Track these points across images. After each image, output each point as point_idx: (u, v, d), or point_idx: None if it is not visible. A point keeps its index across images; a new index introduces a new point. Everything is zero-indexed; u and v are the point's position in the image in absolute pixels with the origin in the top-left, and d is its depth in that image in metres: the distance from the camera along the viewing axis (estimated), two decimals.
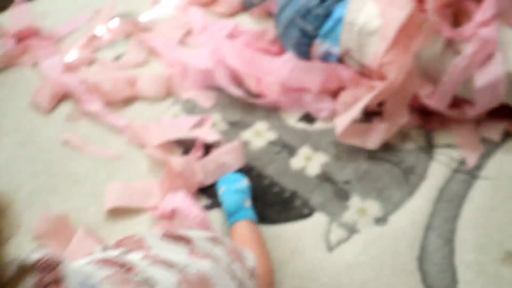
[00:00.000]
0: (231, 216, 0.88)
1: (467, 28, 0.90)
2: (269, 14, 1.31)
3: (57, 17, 1.52)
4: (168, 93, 1.20)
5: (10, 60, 1.37)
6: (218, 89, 1.16)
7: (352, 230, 0.89)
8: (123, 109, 1.18)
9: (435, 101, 0.96)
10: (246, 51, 1.11)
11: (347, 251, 0.86)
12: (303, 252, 0.86)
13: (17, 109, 1.24)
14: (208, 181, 0.97)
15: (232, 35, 1.24)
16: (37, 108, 1.23)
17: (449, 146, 1.00)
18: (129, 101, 1.20)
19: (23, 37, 1.40)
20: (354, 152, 1.00)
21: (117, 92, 1.19)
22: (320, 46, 1.08)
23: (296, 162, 1.01)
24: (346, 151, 1.01)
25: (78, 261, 0.54)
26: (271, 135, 1.08)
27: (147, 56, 1.31)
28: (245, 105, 1.13)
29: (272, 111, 1.12)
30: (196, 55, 1.23)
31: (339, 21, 1.05)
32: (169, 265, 0.55)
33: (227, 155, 0.99)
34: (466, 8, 0.94)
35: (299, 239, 0.88)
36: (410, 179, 0.96)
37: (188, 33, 1.35)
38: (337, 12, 1.05)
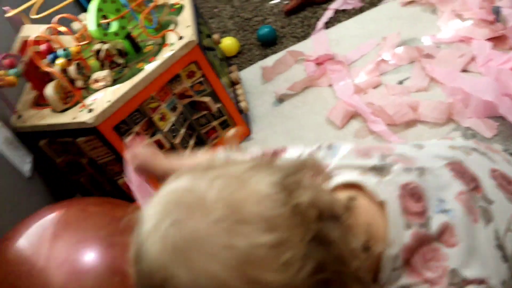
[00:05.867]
0: None
1: None
2: None
3: (349, 43, 1.66)
4: (449, 119, 1.25)
5: (311, 82, 1.58)
6: (501, 119, 1.17)
7: None
8: (404, 131, 1.29)
9: None
10: None
11: None
12: None
13: (316, 123, 1.45)
14: None
15: None
16: (332, 123, 1.41)
17: None
18: (410, 124, 1.30)
19: (321, 61, 1.61)
20: None
21: (400, 116, 1.29)
22: None
23: None
24: None
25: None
26: None
27: (429, 82, 1.37)
28: None
29: None
30: (479, 84, 1.24)
31: None
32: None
33: None
34: None
35: None
36: None
37: (471, 62, 1.36)
38: None
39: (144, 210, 0.49)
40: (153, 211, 0.48)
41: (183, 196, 0.47)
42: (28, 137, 1.33)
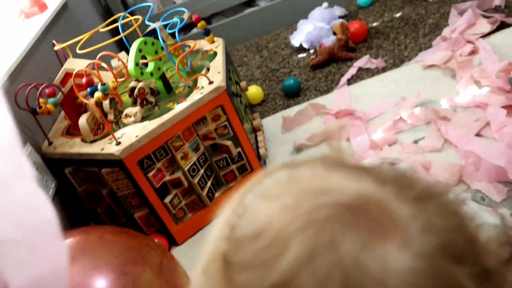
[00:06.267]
0: None
1: None
2: None
3: (369, 101, 1.73)
4: (460, 181, 1.28)
5: (329, 135, 1.49)
6: (511, 185, 1.20)
7: None
8: None
9: None
10: None
11: None
12: None
13: None
14: None
15: None
16: None
17: None
18: None
19: (341, 116, 1.69)
20: None
21: None
22: None
23: None
24: None
25: None
26: None
27: (443, 144, 1.42)
28: None
29: None
30: (491, 149, 1.29)
31: None
32: None
33: None
34: None
35: None
36: None
37: (485, 127, 1.40)
38: None
39: (262, 220, 0.32)
40: (293, 224, 0.30)
41: (351, 200, 0.31)
42: (55, 164, 1.40)
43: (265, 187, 0.35)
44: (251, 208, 0.34)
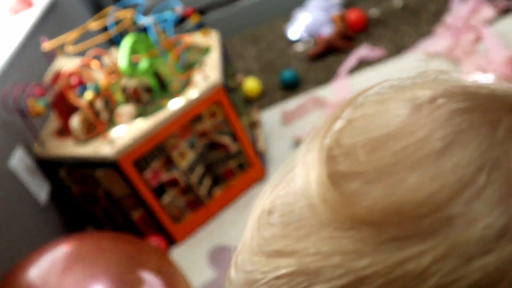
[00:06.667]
0: None
1: None
2: None
3: None
4: None
5: None
6: None
7: None
8: None
9: None
10: None
11: None
12: None
13: None
14: None
15: None
16: None
17: None
18: None
19: None
20: None
21: None
22: None
23: None
24: None
25: None
26: None
27: None
28: None
29: None
30: None
31: None
32: None
33: None
34: None
35: None
36: None
37: None
38: None
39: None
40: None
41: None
42: (48, 166, 1.35)
43: (375, 95, 0.25)
44: (363, 112, 0.24)
